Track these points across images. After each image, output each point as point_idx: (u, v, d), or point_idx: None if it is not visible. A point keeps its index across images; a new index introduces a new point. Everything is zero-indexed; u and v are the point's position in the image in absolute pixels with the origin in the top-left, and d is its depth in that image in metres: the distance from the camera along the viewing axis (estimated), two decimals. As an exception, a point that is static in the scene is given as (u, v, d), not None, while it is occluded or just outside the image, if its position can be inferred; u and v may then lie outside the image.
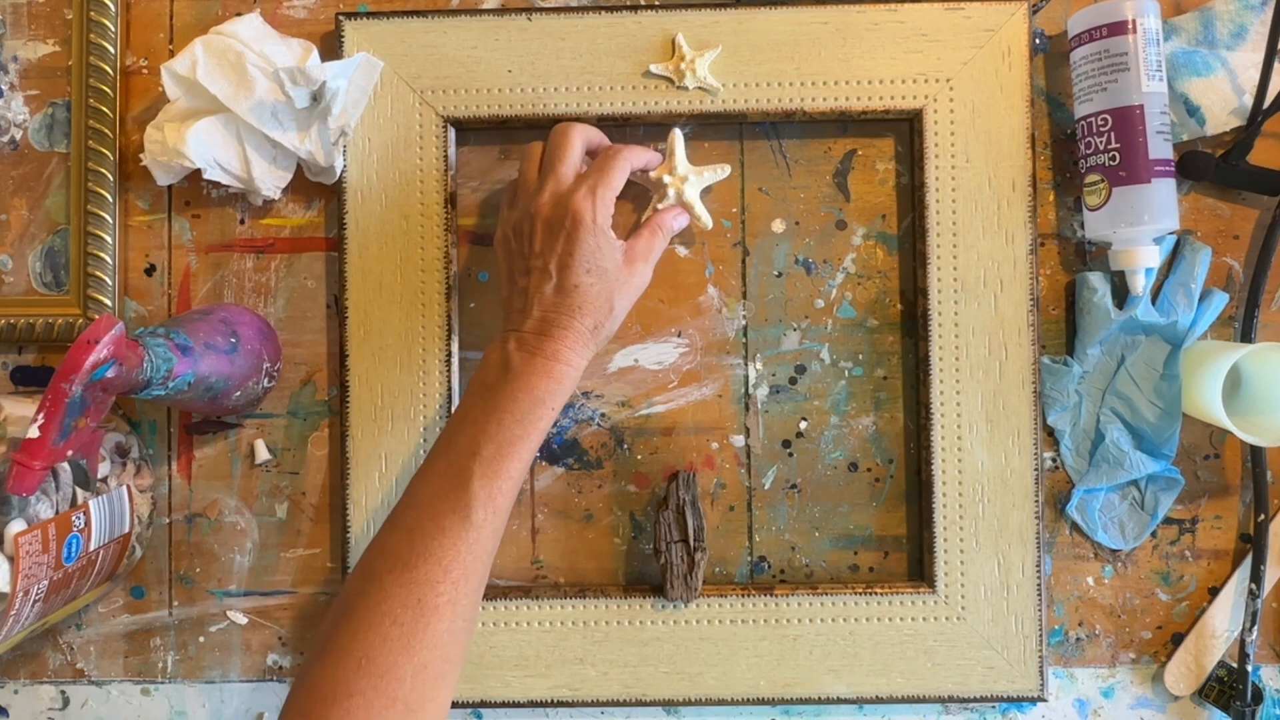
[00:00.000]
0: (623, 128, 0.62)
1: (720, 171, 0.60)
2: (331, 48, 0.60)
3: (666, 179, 0.59)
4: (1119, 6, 0.57)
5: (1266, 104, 0.58)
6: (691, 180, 0.59)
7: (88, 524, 0.53)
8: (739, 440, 0.62)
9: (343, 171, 0.60)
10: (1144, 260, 0.58)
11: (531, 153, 0.57)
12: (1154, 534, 0.61)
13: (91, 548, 0.54)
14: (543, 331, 0.51)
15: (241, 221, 0.62)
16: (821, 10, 0.59)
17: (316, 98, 0.57)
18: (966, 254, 0.59)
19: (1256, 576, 0.59)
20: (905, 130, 0.62)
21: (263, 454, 0.61)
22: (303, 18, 0.62)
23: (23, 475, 0.46)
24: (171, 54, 0.62)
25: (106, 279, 0.61)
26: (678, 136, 0.59)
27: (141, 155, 0.58)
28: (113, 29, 0.61)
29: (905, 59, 0.59)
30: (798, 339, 0.62)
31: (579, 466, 0.62)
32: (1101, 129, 0.57)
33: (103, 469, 0.56)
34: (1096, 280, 0.59)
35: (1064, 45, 0.61)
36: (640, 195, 0.61)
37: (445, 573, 0.45)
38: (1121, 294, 0.60)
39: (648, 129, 0.62)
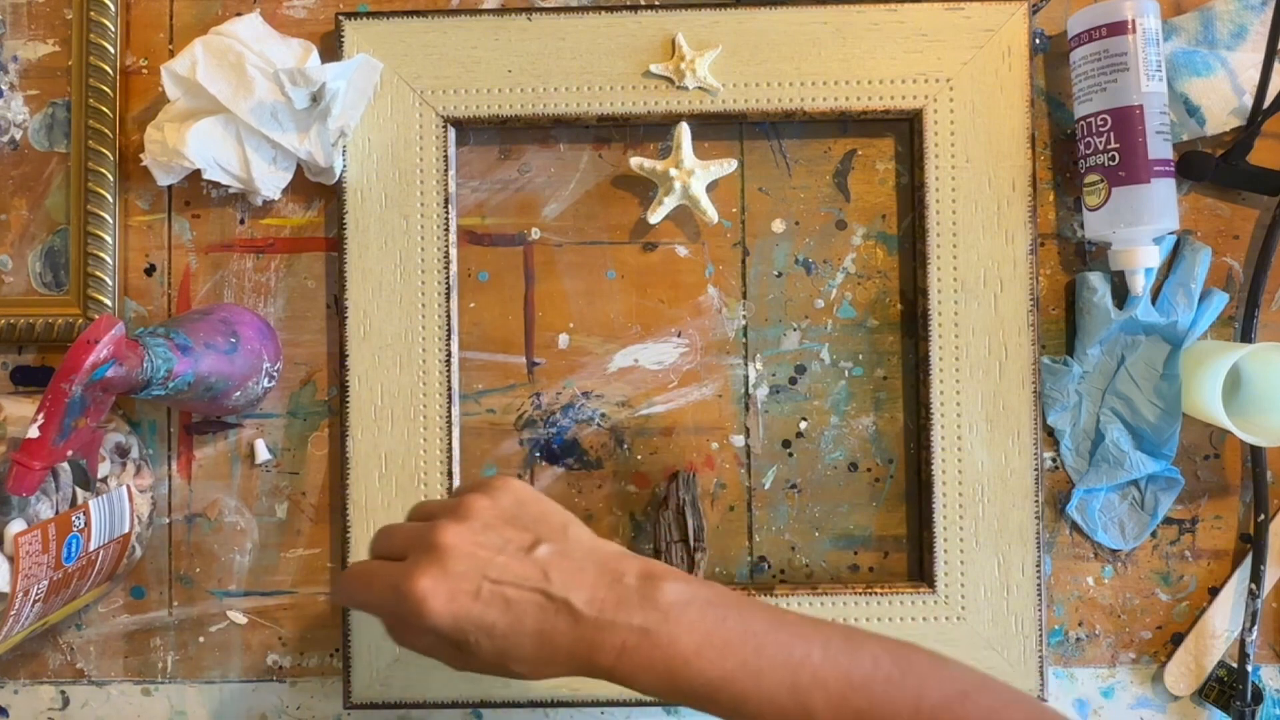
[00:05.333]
0: (623, 128, 0.62)
1: (727, 165, 0.60)
2: (331, 48, 0.60)
3: (673, 173, 0.59)
4: (1119, 6, 0.57)
5: (1266, 104, 0.58)
6: (698, 174, 0.59)
7: (88, 524, 0.53)
8: (739, 440, 0.62)
9: (343, 172, 0.60)
10: (1144, 260, 0.57)
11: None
12: (1154, 534, 0.61)
13: (91, 548, 0.54)
14: None
15: (241, 221, 0.62)
16: (821, 10, 0.59)
17: (316, 99, 0.57)
18: (966, 254, 0.59)
19: (1256, 576, 0.59)
20: (905, 130, 0.62)
21: (263, 454, 0.61)
22: (303, 18, 0.62)
23: (23, 475, 0.46)
24: (171, 54, 0.62)
25: (106, 279, 0.61)
26: (685, 130, 0.59)
27: (141, 155, 0.58)
28: (113, 29, 0.61)
29: (905, 59, 0.59)
30: (798, 339, 0.62)
31: (579, 466, 0.62)
32: (1101, 129, 0.57)
33: (103, 469, 0.56)
34: (1096, 280, 0.59)
35: (1064, 45, 0.61)
36: (645, 188, 0.61)
37: None
38: (1121, 294, 0.60)
39: (648, 129, 0.62)
